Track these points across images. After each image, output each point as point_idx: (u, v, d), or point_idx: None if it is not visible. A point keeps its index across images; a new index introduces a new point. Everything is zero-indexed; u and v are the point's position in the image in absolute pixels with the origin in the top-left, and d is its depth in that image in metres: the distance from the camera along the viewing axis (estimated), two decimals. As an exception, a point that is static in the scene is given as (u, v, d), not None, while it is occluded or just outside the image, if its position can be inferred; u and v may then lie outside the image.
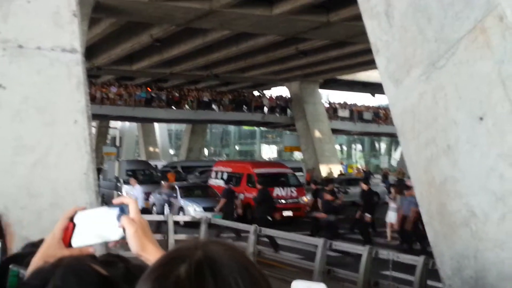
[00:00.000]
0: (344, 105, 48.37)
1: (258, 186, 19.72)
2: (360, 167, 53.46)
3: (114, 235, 1.46)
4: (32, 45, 3.95)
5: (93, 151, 4.05)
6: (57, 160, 3.92)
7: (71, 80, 3.99)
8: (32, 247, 1.74)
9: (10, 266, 1.56)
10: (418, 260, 9.01)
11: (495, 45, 3.93)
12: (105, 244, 1.53)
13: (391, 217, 18.82)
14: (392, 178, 38.98)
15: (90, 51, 31.75)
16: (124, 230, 1.44)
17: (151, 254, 1.40)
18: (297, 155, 58.28)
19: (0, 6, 3.88)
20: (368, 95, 52.18)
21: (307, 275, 11.03)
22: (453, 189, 4.40)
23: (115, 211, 1.47)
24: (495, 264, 4.04)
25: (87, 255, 1.43)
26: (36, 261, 1.42)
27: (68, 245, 1.45)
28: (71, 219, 1.47)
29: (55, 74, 3.98)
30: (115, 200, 1.49)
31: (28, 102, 3.91)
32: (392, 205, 19.10)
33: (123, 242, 1.46)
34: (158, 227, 17.24)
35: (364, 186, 19.15)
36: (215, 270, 1.03)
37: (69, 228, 1.46)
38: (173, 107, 41.74)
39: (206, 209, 20.46)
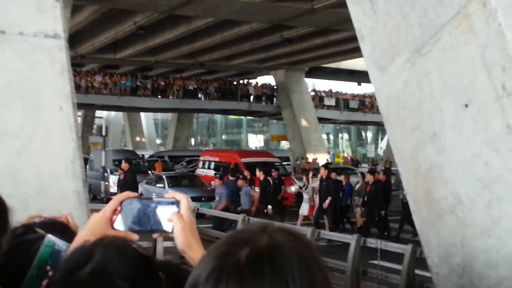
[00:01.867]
0: (330, 94, 48.43)
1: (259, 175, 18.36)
2: (347, 156, 53.63)
3: (161, 227, 1.49)
4: (14, 31, 3.91)
5: (79, 138, 4.01)
6: (42, 146, 3.89)
7: (54, 66, 3.94)
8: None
9: (46, 236, 1.59)
10: (406, 249, 9.04)
11: (479, 31, 3.93)
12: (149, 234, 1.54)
13: (304, 209, 17.82)
14: (380, 167, 39.17)
15: (74, 39, 31.52)
16: (172, 224, 1.47)
17: (195, 253, 1.43)
18: (284, 144, 58.36)
19: (-19, -8, 3.84)
20: (354, 83, 52.27)
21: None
22: (439, 176, 4.41)
23: (166, 204, 1.49)
24: (482, 251, 4.06)
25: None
26: (82, 237, 1.45)
27: (114, 226, 1.48)
28: (121, 203, 1.50)
29: (38, 60, 3.94)
30: (168, 195, 1.55)
31: (12, 88, 3.87)
32: (305, 196, 17.99)
33: (167, 236, 1.49)
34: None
35: (323, 172, 17.60)
36: (275, 261, 1.03)
37: (118, 211, 1.48)
38: (158, 96, 41.59)
39: (194, 199, 20.41)
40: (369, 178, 17.60)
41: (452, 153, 4.26)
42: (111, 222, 1.48)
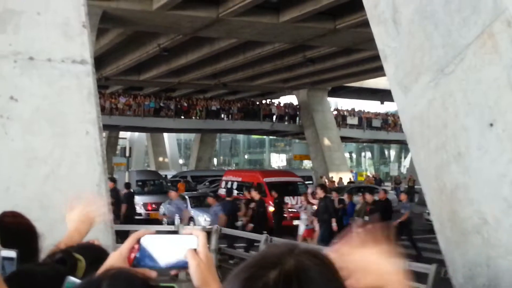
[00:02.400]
0: (352, 113, 48.28)
1: (274, 195, 18.46)
2: (370, 174, 53.27)
3: (179, 263, 1.49)
4: (42, 57, 3.98)
5: (105, 162, 4.06)
6: (69, 171, 3.94)
7: (81, 91, 4.01)
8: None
9: (67, 278, 1.61)
10: (430, 269, 8.93)
11: (504, 50, 3.93)
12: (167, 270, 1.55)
13: (300, 230, 17.16)
14: (403, 186, 38.85)
15: (98, 62, 31.88)
16: (187, 262, 1.47)
17: None
18: (307, 163, 58.21)
19: (10, 19, 3.92)
20: (377, 102, 52.08)
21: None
22: (464, 196, 4.38)
23: (183, 241, 1.50)
24: (508, 271, 4.01)
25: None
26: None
27: (132, 265, 1.48)
28: (138, 241, 1.51)
29: (65, 86, 4.01)
30: (185, 231, 1.53)
31: (40, 114, 3.94)
32: (303, 215, 17.38)
33: (187, 272, 1.49)
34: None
35: (320, 192, 16.92)
36: (302, 284, 1.05)
37: (136, 249, 1.49)
38: (182, 116, 41.80)
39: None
40: (369, 198, 17.29)
41: (477, 173, 4.24)
42: (129, 260, 1.49)
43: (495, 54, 3.99)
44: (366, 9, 5.42)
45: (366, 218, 16.39)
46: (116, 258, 1.49)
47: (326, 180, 38.02)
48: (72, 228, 2.18)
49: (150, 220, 23.27)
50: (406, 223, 17.02)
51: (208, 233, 14.36)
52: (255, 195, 18.18)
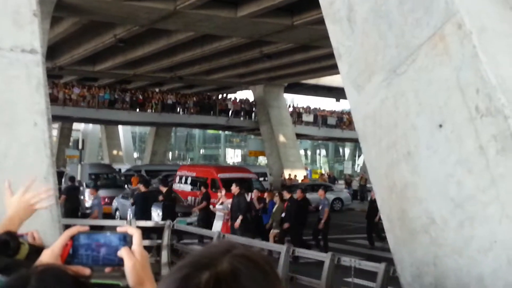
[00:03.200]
0: (308, 110, 48.58)
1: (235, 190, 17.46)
2: (324, 172, 53.71)
3: (113, 261, 1.46)
4: (-9, 45, 3.89)
5: (54, 154, 3.98)
6: (16, 162, 3.86)
7: (30, 81, 3.92)
8: None
9: None
10: (379, 267, 9.06)
11: (454, 52, 3.99)
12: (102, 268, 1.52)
13: (217, 226, 17.00)
14: (355, 184, 39.33)
15: (52, 51, 31.31)
16: (123, 260, 1.44)
17: None
18: (262, 159, 58.36)
19: (-42, 5, 3.81)
20: (332, 100, 52.51)
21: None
22: (413, 195, 4.44)
23: (117, 238, 1.47)
24: (454, 270, 4.08)
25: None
26: None
27: (65, 262, 1.45)
28: (72, 238, 1.48)
29: (14, 75, 3.91)
30: (120, 228, 1.49)
31: (-14, 103, 3.84)
32: (218, 213, 17.44)
33: (121, 270, 1.46)
34: None
35: (234, 189, 17.08)
36: None
37: (69, 246, 1.46)
38: (137, 109, 41.42)
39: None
40: (286, 195, 17.41)
41: (426, 173, 4.30)
42: (62, 258, 1.46)
43: (445, 56, 4.05)
44: (322, 7, 5.44)
45: (283, 214, 16.51)
46: (48, 255, 1.46)
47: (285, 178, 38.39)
48: (11, 213, 2.14)
49: (103, 215, 22.99)
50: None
51: (161, 229, 14.29)
52: (236, 190, 17.33)
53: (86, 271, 1.45)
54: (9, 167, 3.85)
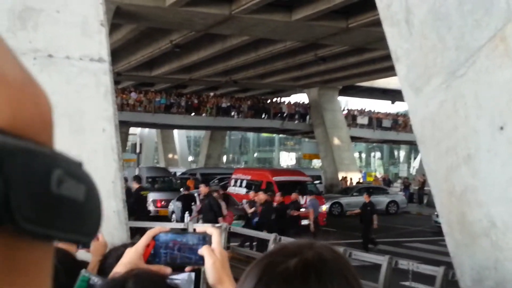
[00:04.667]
0: (363, 112, 48.20)
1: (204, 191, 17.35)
2: (379, 175, 53.16)
3: (193, 260, 1.52)
4: (61, 55, 4.04)
5: (121, 159, 4.12)
6: (86, 168, 4.00)
7: (99, 89, 4.07)
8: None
9: (82, 271, 1.66)
10: (438, 271, 8.96)
11: (516, 54, 3.95)
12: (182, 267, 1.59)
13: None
14: (412, 187, 38.75)
15: (111, 57, 31.96)
16: (203, 259, 1.50)
17: None
18: (316, 162, 58.19)
19: (30, 16, 3.98)
20: (387, 102, 51.95)
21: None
22: (474, 199, 4.40)
23: (197, 238, 1.53)
24: (516, 274, 4.04)
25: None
26: (114, 273, 1.50)
27: (147, 261, 1.52)
28: (154, 238, 1.54)
29: (83, 83, 4.06)
30: (199, 229, 1.56)
31: (58, 111, 3.98)
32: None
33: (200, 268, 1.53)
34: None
35: (203, 189, 16.98)
36: (321, 272, 1.12)
37: (151, 246, 1.53)
38: (192, 113, 41.88)
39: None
40: (262, 197, 17.30)
41: (487, 176, 4.26)
42: (144, 256, 1.52)
43: (506, 58, 4.01)
44: (379, 10, 5.43)
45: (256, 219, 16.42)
46: (132, 254, 1.52)
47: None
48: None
49: (159, 217, 23.35)
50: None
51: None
52: (205, 190, 17.33)
53: (167, 270, 1.51)
54: (80, 172, 3.99)
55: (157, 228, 1.57)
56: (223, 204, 16.90)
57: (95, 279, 1.69)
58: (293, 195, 18.76)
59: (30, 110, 0.44)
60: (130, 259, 1.51)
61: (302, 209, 22.92)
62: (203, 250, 1.50)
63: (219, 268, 1.49)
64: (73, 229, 0.45)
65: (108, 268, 1.87)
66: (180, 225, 15.83)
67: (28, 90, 0.44)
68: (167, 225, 16.71)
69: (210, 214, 15.85)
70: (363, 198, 29.88)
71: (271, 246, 13.11)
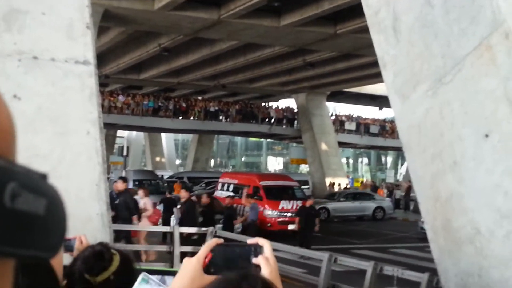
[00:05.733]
0: (350, 118, 48.34)
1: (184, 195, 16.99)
2: (366, 180, 53.28)
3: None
4: (46, 57, 4.02)
5: (105, 162, 4.10)
6: (69, 170, 3.98)
7: (84, 91, 4.05)
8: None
9: (142, 274, 1.72)
10: (422, 277, 8.98)
11: (501, 62, 3.97)
12: None
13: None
14: (399, 193, 38.89)
15: (99, 60, 31.45)
16: (258, 267, 1.51)
17: None
18: (303, 167, 58.25)
19: (15, 18, 3.95)
20: (375, 108, 52.15)
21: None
22: (459, 205, 4.42)
23: (249, 249, 1.55)
24: (499, 282, 4.05)
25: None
26: (179, 282, 1.53)
27: (204, 271, 1.54)
28: (211, 250, 1.57)
29: (68, 86, 4.04)
30: (251, 240, 1.58)
31: (42, 112, 3.98)
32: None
33: None
34: (164, 239, 17.22)
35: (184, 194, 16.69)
36: None
37: (208, 257, 1.55)
38: (180, 117, 41.83)
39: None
40: (204, 200, 17.13)
41: (472, 183, 4.28)
42: (202, 267, 1.55)
43: (492, 66, 4.03)
44: (367, 16, 5.45)
45: (200, 219, 16.43)
46: (194, 265, 1.54)
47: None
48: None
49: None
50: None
51: (204, 235, 14.41)
52: (186, 195, 16.88)
53: None
54: (63, 175, 3.97)
55: (213, 240, 1.60)
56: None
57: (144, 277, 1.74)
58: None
59: None
60: (193, 269, 1.53)
61: (288, 214, 23.00)
62: (259, 260, 1.52)
63: (274, 277, 1.50)
64: (31, 244, 0.42)
65: (77, 270, 1.88)
66: (166, 228, 15.79)
67: None
68: (154, 228, 16.70)
69: (126, 213, 14.98)
70: (350, 203, 30.21)
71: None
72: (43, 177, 0.46)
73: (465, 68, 4.26)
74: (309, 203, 18.73)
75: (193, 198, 17.24)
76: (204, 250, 1.57)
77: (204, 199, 17.17)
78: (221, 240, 1.62)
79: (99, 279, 1.86)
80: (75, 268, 1.89)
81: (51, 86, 3.99)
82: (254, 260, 1.52)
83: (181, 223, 15.58)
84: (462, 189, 4.36)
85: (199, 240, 14.88)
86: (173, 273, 2.10)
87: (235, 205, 19.43)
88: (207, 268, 1.54)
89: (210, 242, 1.59)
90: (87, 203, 4.02)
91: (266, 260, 1.52)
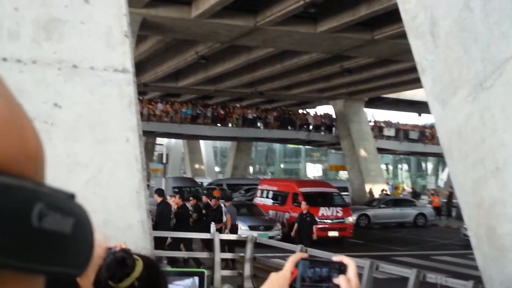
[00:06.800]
0: (389, 124, 47.93)
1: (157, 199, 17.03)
2: (406, 187, 52.74)
3: None
4: (85, 65, 4.08)
5: (144, 169, 4.13)
6: (109, 177, 4.02)
7: (122, 99, 4.09)
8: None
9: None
10: (466, 285, 8.82)
11: (544, 66, 3.89)
12: None
13: None
14: (440, 200, 38.36)
15: (137, 68, 31.98)
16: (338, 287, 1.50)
17: None
18: (342, 174, 57.96)
19: (55, 27, 4.02)
20: (414, 114, 51.62)
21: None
22: (502, 212, 4.34)
23: (333, 267, 1.54)
24: (544, 288, 3.96)
25: None
26: None
27: (290, 286, 1.54)
28: (296, 265, 1.57)
29: (107, 94, 4.09)
30: (336, 258, 1.56)
31: (82, 121, 4.03)
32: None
33: None
34: (207, 245, 17.26)
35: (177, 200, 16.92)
36: None
37: (294, 273, 1.55)
38: (218, 124, 42.04)
39: (251, 228, 20.51)
40: (177, 201, 16.92)
41: (515, 189, 4.20)
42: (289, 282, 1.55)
43: (535, 69, 3.95)
44: (404, 21, 5.40)
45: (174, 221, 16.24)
46: (282, 279, 1.53)
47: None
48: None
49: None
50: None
51: (243, 242, 14.44)
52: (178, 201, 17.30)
53: None
54: (103, 182, 4.02)
55: (298, 254, 1.59)
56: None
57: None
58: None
59: (11, 145, 0.43)
60: (281, 285, 1.52)
61: (328, 221, 22.86)
62: (340, 280, 1.50)
63: None
64: (59, 262, 0.44)
65: (102, 277, 1.89)
66: (207, 235, 15.85)
67: (12, 125, 0.44)
68: (194, 235, 16.81)
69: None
70: (391, 210, 29.88)
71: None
72: (71, 197, 0.48)
73: (506, 73, 4.19)
74: (303, 209, 18.02)
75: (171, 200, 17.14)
76: (289, 265, 1.55)
77: (176, 200, 17.05)
78: (306, 255, 1.60)
79: (123, 286, 1.87)
80: (100, 276, 1.90)
81: (90, 94, 4.05)
82: (335, 280, 1.50)
83: (155, 226, 15.63)
84: (505, 196, 4.28)
85: (175, 245, 15.04)
86: (196, 273, 2.09)
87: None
88: (294, 283, 1.53)
89: (295, 257, 1.57)
90: (128, 210, 4.05)
91: (347, 281, 1.49)
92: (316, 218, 22.80)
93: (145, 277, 1.90)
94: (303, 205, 18.37)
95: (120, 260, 1.91)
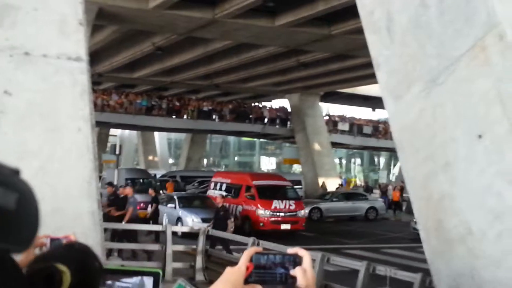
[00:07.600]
0: (344, 118, 48.40)
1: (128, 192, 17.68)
2: (358, 181, 53.42)
3: (285, 281, 1.52)
4: (38, 53, 3.99)
5: (96, 159, 4.07)
6: (59, 166, 3.95)
7: (75, 88, 4.02)
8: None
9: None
10: (415, 278, 8.99)
11: (495, 64, 3.97)
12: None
13: None
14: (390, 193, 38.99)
15: (92, 58, 31.54)
16: (295, 279, 1.50)
17: None
18: (296, 167, 58.31)
19: (8, 13, 3.92)
20: (368, 109, 52.23)
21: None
22: (451, 206, 4.42)
23: (288, 259, 1.53)
24: (491, 282, 4.05)
25: None
26: None
27: (245, 282, 1.53)
28: (251, 259, 1.55)
29: (60, 82, 4.01)
30: (291, 250, 1.55)
31: (33, 109, 3.95)
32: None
33: None
34: (157, 237, 17.18)
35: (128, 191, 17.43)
36: None
37: (250, 268, 1.54)
38: (173, 116, 41.78)
39: (204, 220, 20.47)
40: (109, 190, 17.65)
41: (464, 184, 4.28)
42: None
43: (486, 67, 4.03)
44: (361, 17, 5.44)
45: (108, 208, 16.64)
46: (238, 275, 1.52)
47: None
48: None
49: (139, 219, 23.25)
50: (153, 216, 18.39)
51: (196, 234, 14.40)
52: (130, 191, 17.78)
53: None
54: (54, 171, 3.94)
55: (252, 248, 1.58)
56: None
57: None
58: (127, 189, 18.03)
59: None
60: (236, 279, 1.52)
61: (281, 214, 22.99)
62: (296, 271, 1.51)
63: None
64: (1, 238, 0.42)
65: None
66: (159, 227, 15.77)
67: None
68: (146, 227, 16.71)
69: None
70: (343, 204, 30.25)
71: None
72: (15, 172, 0.46)
73: (459, 69, 4.26)
74: (218, 202, 17.64)
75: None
76: (244, 259, 1.55)
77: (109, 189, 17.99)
78: (260, 248, 1.60)
79: None
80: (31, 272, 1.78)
81: (42, 82, 3.96)
82: (292, 271, 1.51)
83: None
84: (454, 190, 4.36)
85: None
86: (150, 274, 2.02)
87: (227, 204, 19.40)
88: (248, 277, 1.53)
89: (250, 251, 1.57)
90: (78, 200, 3.99)
91: (303, 272, 1.50)
92: (269, 211, 22.98)
93: (74, 285, 1.78)
94: (218, 198, 18.08)
95: (46, 277, 1.77)
